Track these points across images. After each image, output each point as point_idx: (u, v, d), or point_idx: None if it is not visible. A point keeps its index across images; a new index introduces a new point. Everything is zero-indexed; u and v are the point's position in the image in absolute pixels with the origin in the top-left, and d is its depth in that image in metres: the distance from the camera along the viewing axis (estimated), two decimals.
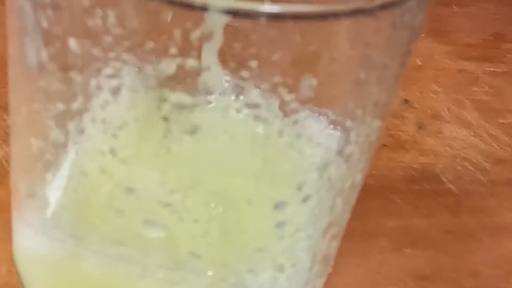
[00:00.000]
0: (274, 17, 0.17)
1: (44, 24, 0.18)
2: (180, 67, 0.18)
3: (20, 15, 0.19)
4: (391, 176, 0.41)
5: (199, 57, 0.18)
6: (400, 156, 0.43)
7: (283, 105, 0.19)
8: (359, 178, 0.22)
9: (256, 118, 0.19)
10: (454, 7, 0.54)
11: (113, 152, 0.20)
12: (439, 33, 0.52)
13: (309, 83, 0.18)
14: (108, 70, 0.19)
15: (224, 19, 0.17)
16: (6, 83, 0.40)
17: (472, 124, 0.45)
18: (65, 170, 0.21)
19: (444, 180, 0.42)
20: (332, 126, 0.20)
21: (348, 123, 0.20)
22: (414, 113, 0.45)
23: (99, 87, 0.19)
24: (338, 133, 0.20)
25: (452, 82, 0.48)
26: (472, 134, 0.44)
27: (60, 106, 0.20)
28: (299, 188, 0.20)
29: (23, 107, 0.21)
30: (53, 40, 0.19)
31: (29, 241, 0.23)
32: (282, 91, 0.19)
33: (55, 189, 0.22)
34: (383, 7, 0.18)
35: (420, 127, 0.45)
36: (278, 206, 0.21)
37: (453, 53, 0.50)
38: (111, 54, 0.19)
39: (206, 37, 0.18)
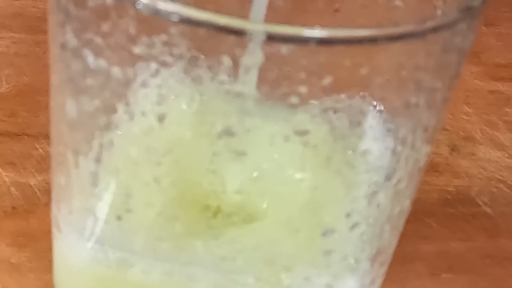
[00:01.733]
0: (324, 42, 0.17)
1: (89, 58, 0.18)
2: (228, 92, 0.18)
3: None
4: (426, 200, 0.41)
5: (244, 82, 0.18)
6: (434, 179, 0.42)
7: (332, 130, 0.19)
8: (407, 204, 0.21)
9: (305, 144, 0.19)
10: (483, 27, 0.54)
11: (156, 180, 0.20)
12: (468, 54, 0.51)
13: (359, 107, 0.18)
14: (153, 97, 0.19)
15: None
16: (37, 112, 0.40)
17: (505, 145, 0.45)
18: (110, 194, 0.21)
19: (480, 202, 0.41)
20: (381, 152, 0.20)
21: (398, 148, 0.19)
22: (447, 135, 0.45)
23: (144, 113, 0.19)
24: (387, 158, 0.19)
25: (484, 103, 0.48)
26: (507, 155, 0.44)
27: (106, 135, 0.20)
28: (348, 215, 0.20)
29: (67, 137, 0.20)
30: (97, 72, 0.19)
31: (71, 260, 0.22)
32: (332, 116, 0.18)
33: (99, 212, 0.21)
34: (434, 30, 0.18)
35: (453, 149, 0.44)
36: (326, 233, 0.20)
37: (483, 73, 0.50)
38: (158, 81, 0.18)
39: (252, 63, 0.18)
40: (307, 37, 0.17)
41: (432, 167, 0.42)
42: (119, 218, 0.21)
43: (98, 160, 0.20)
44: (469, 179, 0.41)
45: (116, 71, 0.18)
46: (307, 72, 0.17)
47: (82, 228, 0.22)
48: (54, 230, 0.23)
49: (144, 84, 0.19)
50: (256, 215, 0.20)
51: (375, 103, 0.18)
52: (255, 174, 0.19)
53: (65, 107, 0.20)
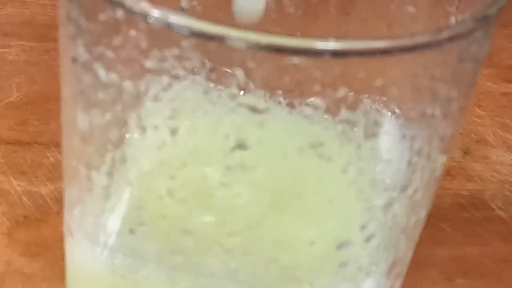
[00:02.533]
0: (337, 54, 0.17)
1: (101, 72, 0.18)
2: (240, 105, 0.18)
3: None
4: (439, 204, 0.40)
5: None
6: (447, 183, 0.42)
7: (347, 142, 0.18)
8: (423, 214, 0.21)
9: (320, 156, 0.19)
10: None
11: (170, 193, 0.20)
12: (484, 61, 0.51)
13: (374, 118, 0.18)
14: (166, 110, 0.18)
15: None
16: (48, 120, 0.40)
17: None
18: (122, 208, 0.21)
19: (494, 206, 0.41)
20: (397, 163, 0.19)
21: (414, 159, 0.19)
22: (459, 139, 0.44)
23: (156, 127, 0.19)
24: (403, 169, 0.19)
25: (496, 105, 0.47)
26: None
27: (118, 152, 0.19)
28: (363, 227, 0.20)
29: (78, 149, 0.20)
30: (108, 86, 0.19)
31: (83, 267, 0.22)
32: (346, 128, 0.18)
33: (111, 226, 0.21)
34: (450, 39, 0.17)
35: (466, 152, 0.44)
36: (341, 246, 0.20)
37: (495, 75, 0.49)
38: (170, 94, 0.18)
39: (263, 75, 0.17)
40: (320, 50, 0.16)
41: (445, 171, 0.42)
42: (131, 231, 0.21)
43: (110, 174, 0.20)
44: (482, 183, 0.41)
45: (127, 85, 0.18)
46: (320, 83, 0.17)
47: (95, 239, 0.22)
48: (67, 238, 0.23)
49: (156, 98, 0.18)
50: (270, 229, 0.20)
51: (390, 114, 0.18)
52: (269, 187, 0.19)
53: (77, 121, 0.20)
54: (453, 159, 0.43)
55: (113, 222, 0.21)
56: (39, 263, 0.34)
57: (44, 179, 0.37)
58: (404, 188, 0.19)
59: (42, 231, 0.36)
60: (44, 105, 0.41)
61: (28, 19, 0.47)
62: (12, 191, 0.37)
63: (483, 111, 0.46)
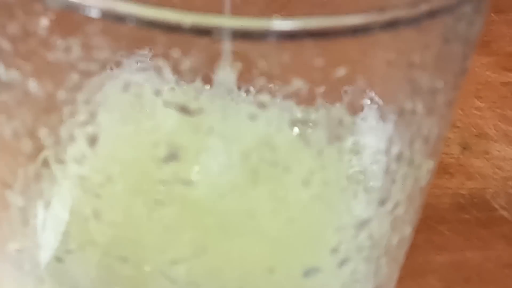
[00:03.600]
0: (287, 36, 0.13)
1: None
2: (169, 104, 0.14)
3: None
4: (437, 205, 0.37)
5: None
6: (445, 181, 0.38)
7: (306, 148, 0.14)
8: (407, 231, 0.17)
9: (273, 164, 0.14)
10: (493, 15, 0.50)
11: (96, 215, 0.16)
12: (478, 44, 0.47)
13: (338, 117, 0.14)
14: (80, 115, 0.14)
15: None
16: None
17: None
18: (45, 233, 0.17)
19: (496, 206, 0.37)
20: (371, 171, 0.15)
21: (392, 166, 0.15)
22: (457, 133, 0.41)
23: (71, 137, 0.15)
24: (379, 179, 0.15)
25: (497, 96, 0.44)
26: None
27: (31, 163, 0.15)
28: (334, 250, 0.16)
29: None
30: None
31: None
32: (304, 129, 0.14)
33: (35, 253, 0.17)
34: (431, 14, 0.13)
35: (465, 147, 0.40)
36: (309, 273, 0.16)
37: (495, 64, 0.46)
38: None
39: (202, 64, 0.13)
40: (263, 31, 0.12)
41: (443, 169, 0.38)
42: (59, 260, 0.17)
43: (25, 193, 0.16)
44: (483, 180, 0.38)
45: (32, 84, 0.14)
46: (267, 74, 0.13)
47: (20, 268, 0.18)
48: None
49: (67, 100, 0.14)
50: (220, 256, 0.16)
51: (359, 111, 0.14)
52: (213, 205, 0.15)
53: None
54: (451, 156, 0.39)
55: (37, 249, 0.17)
56: None
57: None
58: (382, 202, 0.15)
59: None
60: None
61: None
62: None
63: (483, 103, 0.43)
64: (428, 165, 0.16)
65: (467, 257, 0.34)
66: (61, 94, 0.14)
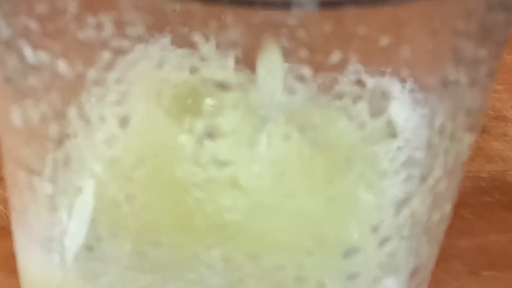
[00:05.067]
0: (327, 5, 0.12)
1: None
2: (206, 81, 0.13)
3: None
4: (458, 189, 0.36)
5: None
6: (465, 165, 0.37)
7: (348, 123, 0.14)
8: (448, 208, 0.16)
9: (313, 143, 0.14)
10: None
11: (129, 199, 0.15)
12: None
13: (382, 90, 0.13)
14: (111, 95, 0.14)
15: None
16: None
17: None
18: (74, 221, 0.16)
19: None
20: (413, 146, 0.15)
21: (435, 140, 0.14)
22: None
23: (102, 118, 0.14)
24: (422, 154, 0.15)
25: None
26: None
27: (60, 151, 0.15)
28: (375, 229, 0.15)
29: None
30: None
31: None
32: (347, 103, 0.13)
33: (64, 243, 0.17)
34: None
35: (484, 130, 0.40)
36: (349, 253, 0.15)
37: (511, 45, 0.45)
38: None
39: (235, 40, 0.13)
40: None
41: None
42: (89, 248, 0.16)
43: (54, 179, 0.16)
44: (503, 163, 0.38)
45: (61, 65, 0.14)
46: (307, 46, 0.13)
47: (48, 262, 0.17)
48: (18, 253, 0.19)
49: (98, 80, 0.14)
50: (256, 238, 0.15)
51: (402, 83, 0.13)
52: (250, 185, 0.14)
53: (9, 115, 0.15)
54: None
55: (66, 239, 0.17)
56: (18, 278, 0.30)
57: None
58: (424, 178, 0.15)
59: None
60: None
61: None
62: None
63: (500, 85, 0.42)
64: (469, 139, 0.15)
65: (491, 240, 0.33)
66: (92, 74, 0.14)
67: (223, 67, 0.13)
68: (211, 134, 0.14)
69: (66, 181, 0.16)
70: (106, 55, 0.13)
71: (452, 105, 0.14)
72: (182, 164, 0.14)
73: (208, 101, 0.13)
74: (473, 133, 0.15)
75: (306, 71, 0.13)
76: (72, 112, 0.15)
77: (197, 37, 0.13)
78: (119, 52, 0.13)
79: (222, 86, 0.13)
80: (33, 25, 0.14)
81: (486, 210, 0.34)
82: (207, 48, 0.13)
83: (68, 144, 0.15)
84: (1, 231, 0.32)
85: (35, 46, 0.14)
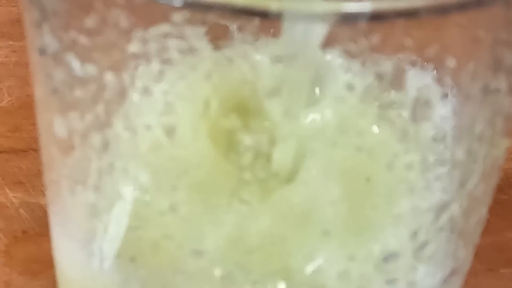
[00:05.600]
0: (375, 17, 0.12)
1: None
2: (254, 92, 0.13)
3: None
4: None
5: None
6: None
7: (391, 128, 0.14)
8: (484, 212, 0.16)
9: (358, 148, 0.14)
10: None
11: (173, 208, 0.15)
12: None
13: (424, 97, 0.13)
14: (158, 105, 0.14)
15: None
16: None
17: None
18: (116, 236, 0.17)
19: None
20: (454, 151, 0.15)
21: (475, 145, 0.15)
22: None
23: (149, 127, 0.14)
24: (461, 159, 0.15)
25: None
26: None
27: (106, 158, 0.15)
28: (414, 234, 0.15)
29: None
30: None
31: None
32: (389, 110, 0.14)
33: (104, 257, 0.17)
34: None
35: None
36: (388, 259, 0.16)
37: None
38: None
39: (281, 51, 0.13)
40: (351, 13, 0.12)
41: None
42: (132, 259, 0.17)
43: (98, 188, 0.16)
44: None
45: (109, 77, 0.14)
46: (355, 55, 0.13)
47: (88, 271, 0.17)
48: (57, 261, 0.19)
49: (145, 91, 0.14)
50: (297, 247, 0.15)
51: (444, 90, 0.14)
52: (295, 196, 0.15)
53: (53, 126, 0.16)
54: None
55: (107, 248, 0.17)
56: (41, 281, 0.31)
57: (42, 189, 0.34)
58: (463, 183, 0.15)
59: (43, 246, 0.32)
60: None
61: (17, 18, 0.43)
62: (8, 204, 0.34)
63: None
64: (506, 144, 0.15)
65: (508, 238, 0.33)
66: (139, 85, 0.14)
67: (271, 74, 0.13)
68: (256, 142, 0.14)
69: (109, 190, 0.16)
70: (154, 66, 0.14)
71: (491, 112, 0.15)
72: (227, 175, 0.15)
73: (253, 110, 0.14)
74: (510, 138, 0.16)
75: (354, 80, 0.13)
76: (118, 122, 0.15)
77: (247, 48, 0.13)
78: (167, 63, 0.14)
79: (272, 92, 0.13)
80: (82, 39, 0.14)
81: (502, 207, 0.35)
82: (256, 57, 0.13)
83: (113, 154, 0.15)
84: (23, 234, 0.32)
85: (83, 59, 0.14)
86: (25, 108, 0.37)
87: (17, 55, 0.40)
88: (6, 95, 0.38)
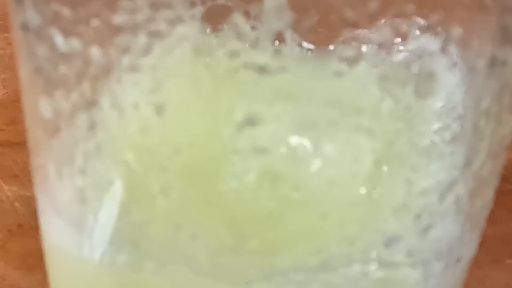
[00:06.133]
0: None
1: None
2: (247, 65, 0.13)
3: None
4: None
5: None
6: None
7: (393, 104, 0.13)
8: (490, 194, 0.16)
9: (357, 128, 0.13)
10: None
11: (164, 191, 0.15)
12: None
13: (428, 70, 0.13)
14: (147, 82, 0.13)
15: None
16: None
17: None
18: (105, 222, 0.16)
19: None
20: (459, 128, 0.14)
21: (481, 122, 0.14)
22: None
23: (137, 106, 0.14)
24: (467, 137, 0.14)
25: None
26: None
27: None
28: (417, 216, 0.15)
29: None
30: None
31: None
32: (390, 84, 0.13)
33: (96, 239, 0.16)
34: None
35: None
36: (390, 242, 0.15)
37: None
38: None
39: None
40: None
41: None
42: (123, 240, 0.16)
43: (84, 171, 0.15)
44: None
45: (94, 52, 0.13)
46: (354, 24, 0.12)
47: (78, 259, 0.17)
48: (45, 247, 0.19)
49: (133, 67, 0.13)
50: (295, 228, 0.15)
51: (449, 62, 0.13)
52: (291, 175, 0.14)
53: (38, 107, 0.15)
54: None
55: (98, 234, 0.16)
56: (37, 276, 0.31)
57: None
58: (469, 162, 0.14)
59: (39, 240, 0.31)
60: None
61: None
62: (3, 198, 0.33)
63: None
64: None
65: None
66: (126, 60, 0.13)
67: (263, 51, 0.12)
68: (251, 121, 0.13)
69: (97, 174, 0.15)
70: (141, 39, 0.13)
71: (498, 86, 0.14)
72: (219, 152, 0.14)
73: (247, 87, 0.13)
74: None
75: (352, 52, 0.12)
76: (104, 100, 0.14)
77: (237, 19, 0.12)
78: (155, 35, 0.13)
79: (263, 70, 0.13)
80: (65, 11, 0.13)
81: (508, 198, 0.34)
82: (246, 30, 0.12)
83: (100, 134, 0.15)
84: (18, 229, 0.32)
85: (67, 34, 0.13)
86: (21, 101, 0.36)
87: (12, 48, 0.39)
88: (1, 87, 0.37)
